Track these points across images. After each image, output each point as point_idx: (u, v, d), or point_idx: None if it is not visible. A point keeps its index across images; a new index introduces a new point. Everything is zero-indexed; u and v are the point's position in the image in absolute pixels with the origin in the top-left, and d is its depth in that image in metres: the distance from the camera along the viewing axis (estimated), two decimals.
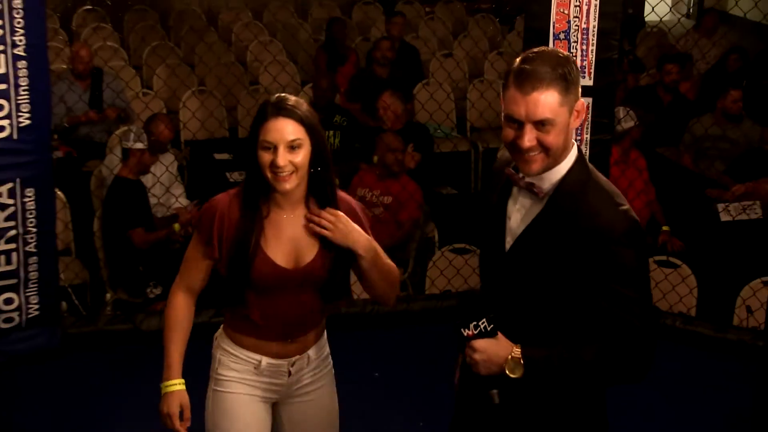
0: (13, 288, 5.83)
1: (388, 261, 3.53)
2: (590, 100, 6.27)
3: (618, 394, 5.77)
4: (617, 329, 2.86)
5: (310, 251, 3.43)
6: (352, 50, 10.23)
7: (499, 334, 2.94)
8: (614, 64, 6.35)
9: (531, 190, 2.95)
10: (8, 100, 5.54)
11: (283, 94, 3.38)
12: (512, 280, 3.02)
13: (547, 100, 2.81)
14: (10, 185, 5.67)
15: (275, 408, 3.72)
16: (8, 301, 5.83)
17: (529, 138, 2.83)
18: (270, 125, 3.27)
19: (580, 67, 6.22)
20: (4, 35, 5.45)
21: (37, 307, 5.95)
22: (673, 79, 8.91)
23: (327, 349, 3.75)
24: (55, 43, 9.35)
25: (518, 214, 3.01)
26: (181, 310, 3.57)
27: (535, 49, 2.91)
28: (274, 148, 3.26)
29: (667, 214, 7.41)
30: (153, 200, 7.22)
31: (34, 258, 5.85)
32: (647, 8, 12.33)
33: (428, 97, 9.39)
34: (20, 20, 5.49)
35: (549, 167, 2.90)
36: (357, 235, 3.40)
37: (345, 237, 3.37)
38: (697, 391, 5.91)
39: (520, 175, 2.96)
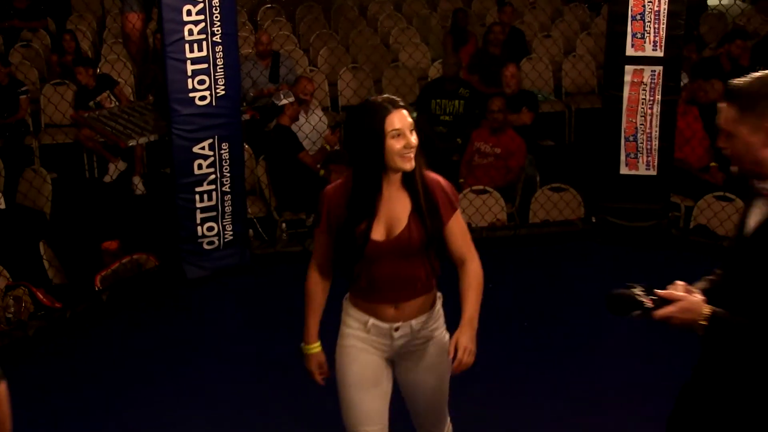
0: (213, 219, 5.98)
1: (477, 304, 3.22)
2: (661, 68, 6.11)
3: None
4: None
5: (400, 224, 3.12)
6: (472, 34, 10.10)
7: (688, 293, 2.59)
8: (681, 39, 6.16)
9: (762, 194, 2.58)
10: (208, 76, 5.65)
11: (385, 95, 3.15)
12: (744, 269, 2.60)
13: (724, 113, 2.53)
14: (210, 140, 5.80)
15: (394, 365, 3.39)
16: (210, 229, 5.99)
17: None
18: (394, 116, 3.01)
19: (653, 43, 6.05)
20: (206, 26, 5.55)
21: (231, 233, 6.09)
22: (739, 53, 8.57)
23: (435, 323, 3.32)
24: (243, 32, 9.44)
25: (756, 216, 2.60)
26: (314, 285, 3.35)
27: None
28: (403, 134, 3.02)
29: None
30: (308, 144, 7.38)
31: (228, 196, 5.99)
32: None
33: (531, 68, 9.36)
34: (218, 15, 5.59)
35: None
36: (469, 341, 3.11)
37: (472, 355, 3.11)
38: None
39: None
